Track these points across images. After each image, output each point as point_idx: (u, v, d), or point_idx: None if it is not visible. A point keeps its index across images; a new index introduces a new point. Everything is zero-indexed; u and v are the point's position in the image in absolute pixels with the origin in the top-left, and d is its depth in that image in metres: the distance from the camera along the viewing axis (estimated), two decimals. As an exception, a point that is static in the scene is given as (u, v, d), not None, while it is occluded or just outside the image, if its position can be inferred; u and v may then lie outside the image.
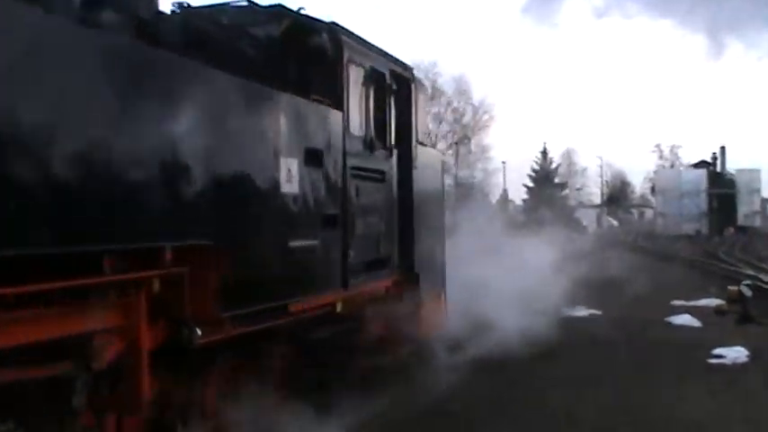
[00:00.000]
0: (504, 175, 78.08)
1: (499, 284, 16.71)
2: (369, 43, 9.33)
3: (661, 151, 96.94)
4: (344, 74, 8.41)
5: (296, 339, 7.60)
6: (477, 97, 75.51)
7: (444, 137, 73.99)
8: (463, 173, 73.88)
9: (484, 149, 76.44)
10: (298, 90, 7.69)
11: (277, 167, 6.87)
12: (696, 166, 74.36)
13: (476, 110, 74.48)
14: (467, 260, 16.77)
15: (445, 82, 72.93)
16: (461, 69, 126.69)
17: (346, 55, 8.47)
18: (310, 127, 7.59)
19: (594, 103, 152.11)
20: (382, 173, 9.53)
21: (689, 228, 60.63)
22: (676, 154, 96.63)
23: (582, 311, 17.60)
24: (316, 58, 8.29)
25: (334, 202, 8.08)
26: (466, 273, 14.86)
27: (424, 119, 11.24)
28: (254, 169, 6.53)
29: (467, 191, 73.11)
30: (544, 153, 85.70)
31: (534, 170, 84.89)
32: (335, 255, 8.11)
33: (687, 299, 19.07)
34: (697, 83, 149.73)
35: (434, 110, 72.13)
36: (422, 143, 11.11)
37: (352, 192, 8.55)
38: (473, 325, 12.31)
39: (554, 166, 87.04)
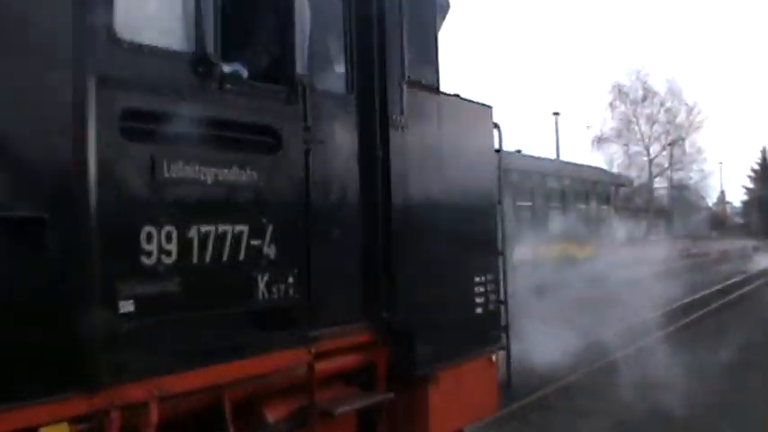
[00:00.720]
0: (721, 176, 71.14)
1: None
2: None
3: None
4: None
5: None
6: (690, 97, 68.93)
7: (658, 138, 68.76)
8: (678, 175, 69.10)
9: (699, 150, 69.90)
10: None
11: None
12: None
13: (690, 110, 68.21)
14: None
15: (657, 83, 68.00)
16: (674, 69, 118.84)
17: None
18: None
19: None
20: (272, 133, 4.60)
21: None
22: None
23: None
24: None
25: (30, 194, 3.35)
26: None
27: (428, 39, 6.15)
28: None
29: (682, 193, 67.75)
30: (764, 153, 75.92)
31: (754, 170, 75.49)
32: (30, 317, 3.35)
33: None
34: None
35: (647, 111, 67.64)
36: (424, 85, 6.05)
37: (127, 170, 3.75)
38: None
39: (775, 165, 77.00)
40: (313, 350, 4.81)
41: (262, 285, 4.44)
